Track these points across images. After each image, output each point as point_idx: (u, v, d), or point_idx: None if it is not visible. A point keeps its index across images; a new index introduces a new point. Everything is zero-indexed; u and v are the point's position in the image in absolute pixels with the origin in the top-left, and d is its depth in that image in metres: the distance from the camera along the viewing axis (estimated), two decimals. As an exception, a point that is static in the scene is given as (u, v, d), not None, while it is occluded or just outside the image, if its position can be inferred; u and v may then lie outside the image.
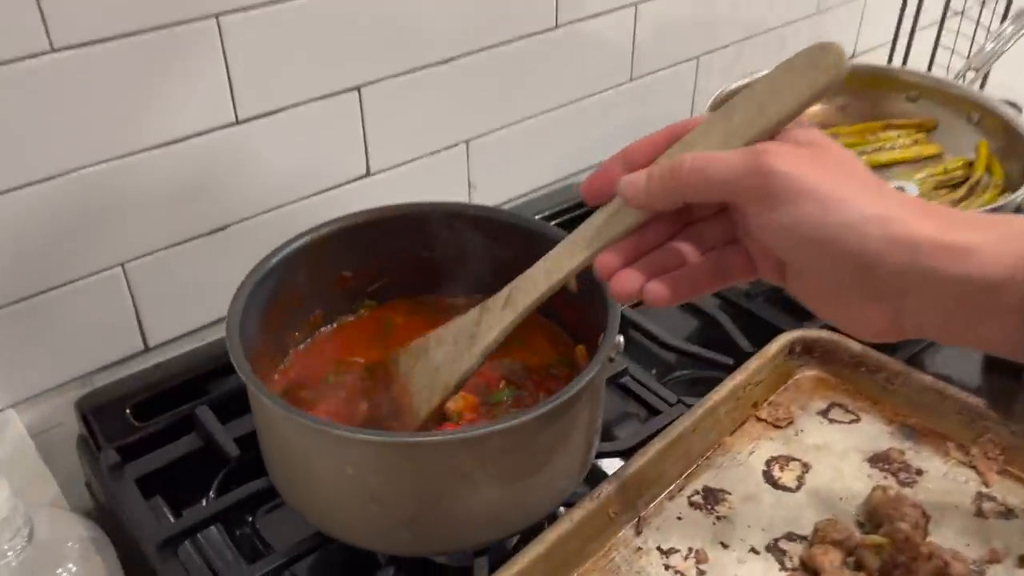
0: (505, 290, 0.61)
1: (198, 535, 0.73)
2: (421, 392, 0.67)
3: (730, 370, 0.86)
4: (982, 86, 1.24)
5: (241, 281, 0.71)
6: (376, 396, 0.71)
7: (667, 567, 0.66)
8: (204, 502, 0.79)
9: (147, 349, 0.92)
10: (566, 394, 0.61)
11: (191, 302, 0.93)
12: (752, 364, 0.79)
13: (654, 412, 0.82)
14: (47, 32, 0.73)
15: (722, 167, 0.49)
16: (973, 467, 0.73)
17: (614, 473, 0.69)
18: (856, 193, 0.47)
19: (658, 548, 0.68)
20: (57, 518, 0.65)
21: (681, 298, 0.54)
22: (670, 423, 0.79)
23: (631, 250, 0.55)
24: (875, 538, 0.66)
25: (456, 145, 1.06)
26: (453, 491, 0.62)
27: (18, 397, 0.85)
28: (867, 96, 1.12)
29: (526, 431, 0.61)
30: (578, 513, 0.66)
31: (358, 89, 0.94)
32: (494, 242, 0.79)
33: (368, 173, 1.00)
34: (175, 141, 0.84)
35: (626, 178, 0.53)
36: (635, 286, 0.54)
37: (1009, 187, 0.97)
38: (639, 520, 0.69)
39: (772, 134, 0.51)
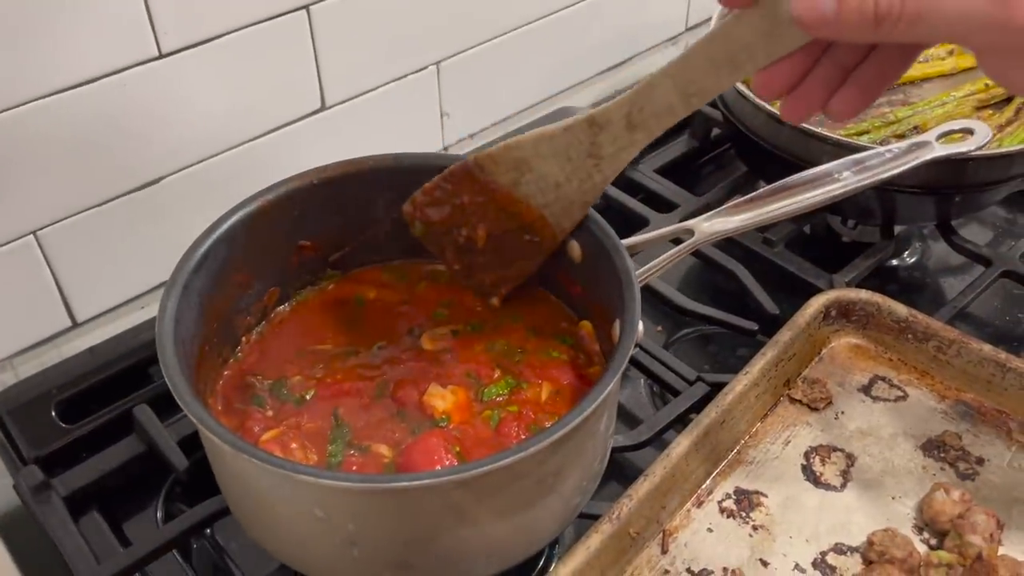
0: (620, 106, 0.54)
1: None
2: (550, 207, 0.62)
3: (753, 336, 0.76)
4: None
5: (171, 272, 0.57)
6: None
7: (700, 594, 0.57)
8: (154, 518, 0.67)
9: (76, 325, 0.80)
10: (582, 412, 0.50)
11: (123, 269, 0.80)
12: (783, 336, 0.68)
13: (670, 390, 0.71)
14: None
15: (955, 11, 0.39)
16: (1041, 452, 0.64)
17: (634, 484, 0.58)
18: None
19: (688, 570, 0.58)
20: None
21: (869, 104, 0.48)
22: (691, 407, 0.69)
23: (794, 66, 0.47)
24: (943, 554, 0.56)
25: (425, 68, 0.92)
26: (447, 532, 0.51)
27: (-73, 389, 0.73)
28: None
29: (535, 459, 0.50)
30: (596, 539, 0.55)
31: (307, 8, 0.79)
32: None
33: (323, 106, 0.86)
34: (85, 83, 0.70)
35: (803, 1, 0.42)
36: (814, 108, 0.48)
37: (1063, 108, 0.85)
38: (664, 535, 0.59)
39: None
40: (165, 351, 0.53)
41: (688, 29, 1.16)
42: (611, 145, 0.56)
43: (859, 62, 0.47)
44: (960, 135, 0.73)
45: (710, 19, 0.92)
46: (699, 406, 0.67)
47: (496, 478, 0.49)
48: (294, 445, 0.58)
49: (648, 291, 0.79)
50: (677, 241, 0.69)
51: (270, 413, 0.60)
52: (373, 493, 0.48)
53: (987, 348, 0.67)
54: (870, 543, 0.58)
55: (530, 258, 0.65)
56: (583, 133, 0.57)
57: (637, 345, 0.73)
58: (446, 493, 0.49)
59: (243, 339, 0.66)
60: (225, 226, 0.61)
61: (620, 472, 0.69)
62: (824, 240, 0.92)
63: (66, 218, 0.74)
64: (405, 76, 0.90)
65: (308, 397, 0.62)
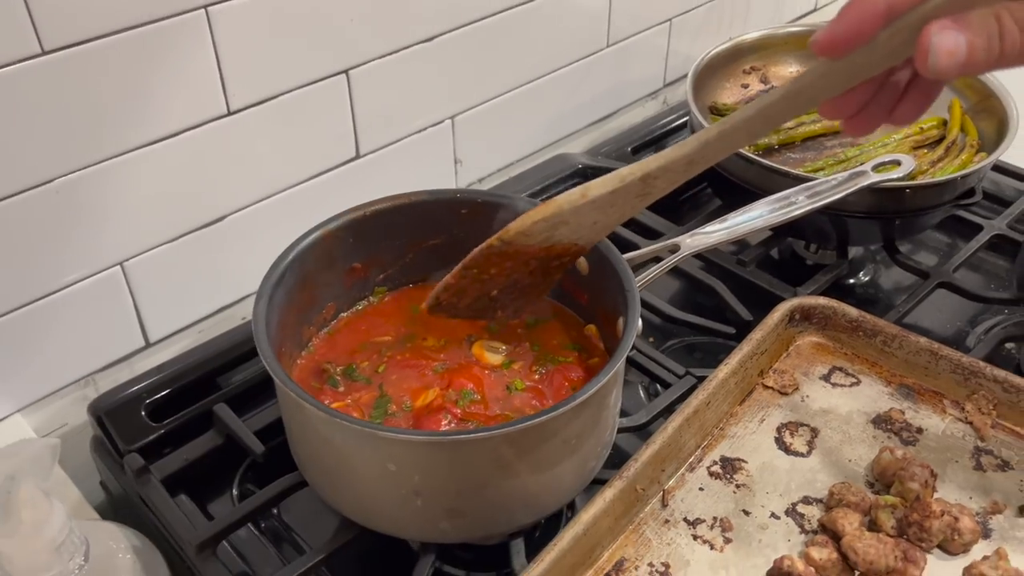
0: (679, 159, 0.57)
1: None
2: (584, 237, 0.66)
3: (731, 338, 0.90)
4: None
5: (259, 284, 0.70)
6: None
7: (695, 537, 0.69)
8: (231, 499, 0.80)
9: (148, 345, 0.92)
10: (599, 381, 0.63)
11: (190, 295, 0.93)
12: (756, 335, 0.81)
13: (663, 384, 0.85)
14: (37, 34, 0.71)
15: None
16: (969, 422, 0.78)
17: (639, 450, 0.71)
18: None
19: (685, 519, 0.71)
20: (103, 530, 0.65)
21: (931, 104, 0.54)
22: (682, 396, 0.82)
23: (862, 92, 0.52)
24: (889, 498, 0.69)
25: (442, 122, 1.06)
26: (493, 482, 0.64)
27: (23, 402, 0.85)
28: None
29: (563, 419, 0.63)
30: (610, 492, 0.68)
31: (347, 72, 0.93)
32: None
33: (358, 155, 1.00)
34: (168, 137, 0.83)
35: (944, 43, 0.44)
36: (878, 123, 0.53)
37: (984, 147, 1.01)
38: (664, 494, 0.72)
39: None
40: (262, 344, 0.65)
41: (666, 85, 1.32)
42: (665, 182, 0.59)
43: (915, 75, 0.52)
44: (891, 166, 0.89)
45: (685, 76, 1.07)
46: (688, 395, 0.80)
47: (532, 434, 0.62)
48: (355, 414, 0.72)
49: (643, 304, 0.93)
50: (659, 260, 0.83)
51: (342, 389, 0.73)
52: (438, 444, 0.61)
53: (923, 340, 0.81)
54: (831, 493, 0.71)
55: (554, 274, 0.72)
56: (635, 188, 0.59)
57: (634, 347, 0.88)
58: (495, 445, 0.62)
59: (312, 338, 0.79)
60: (298, 249, 0.74)
61: (620, 460, 0.81)
62: (789, 262, 1.06)
63: (149, 250, 0.86)
64: (425, 129, 1.04)
65: (380, 371, 0.75)
